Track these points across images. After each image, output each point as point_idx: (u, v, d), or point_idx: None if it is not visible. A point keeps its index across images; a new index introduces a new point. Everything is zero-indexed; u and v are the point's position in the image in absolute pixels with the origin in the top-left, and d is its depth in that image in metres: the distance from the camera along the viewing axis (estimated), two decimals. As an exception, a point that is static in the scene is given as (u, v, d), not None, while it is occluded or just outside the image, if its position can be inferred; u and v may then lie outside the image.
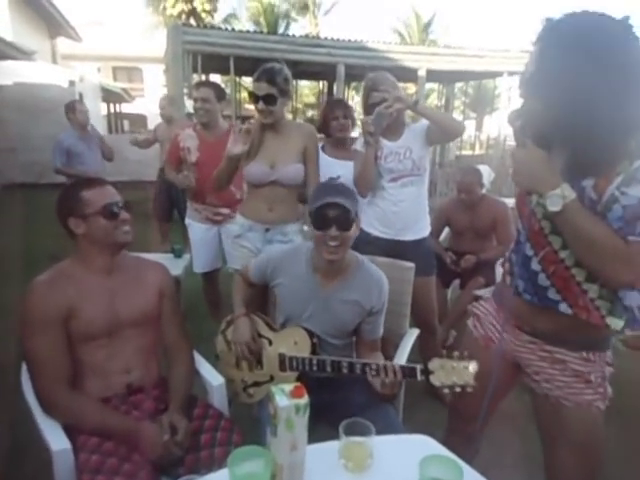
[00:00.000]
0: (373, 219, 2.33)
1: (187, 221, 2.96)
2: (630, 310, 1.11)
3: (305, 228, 2.18)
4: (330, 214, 1.49)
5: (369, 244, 2.27)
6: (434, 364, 1.28)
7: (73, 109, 4.42)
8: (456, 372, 1.24)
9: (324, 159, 2.45)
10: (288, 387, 0.95)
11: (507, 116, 1.14)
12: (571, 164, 1.05)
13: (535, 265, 1.19)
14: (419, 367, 1.32)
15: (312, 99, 21.66)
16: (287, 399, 0.92)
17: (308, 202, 1.64)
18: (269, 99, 2.03)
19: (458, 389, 1.25)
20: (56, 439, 1.27)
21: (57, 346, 1.34)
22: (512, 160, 1.09)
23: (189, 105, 6.53)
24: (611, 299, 1.11)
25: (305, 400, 0.93)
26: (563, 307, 1.16)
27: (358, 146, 2.30)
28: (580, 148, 1.03)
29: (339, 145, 2.63)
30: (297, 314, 1.63)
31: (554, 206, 1.00)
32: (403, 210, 2.25)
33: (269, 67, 2.05)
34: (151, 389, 1.50)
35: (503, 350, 1.31)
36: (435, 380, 1.27)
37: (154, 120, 5.11)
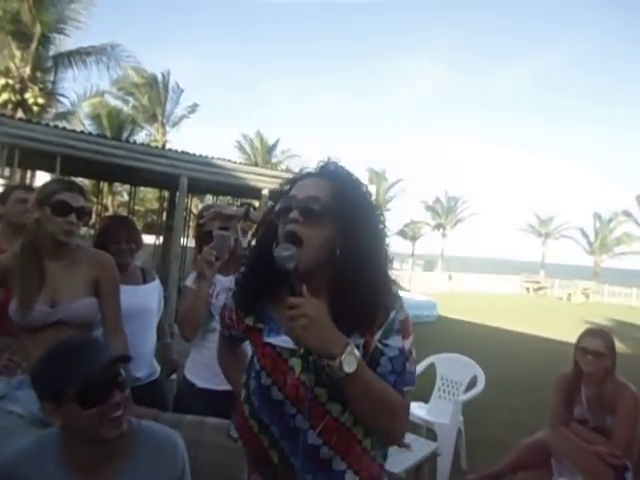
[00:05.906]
0: (200, 366, 1.93)
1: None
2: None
3: None
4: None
5: (195, 397, 1.89)
6: None
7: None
8: None
9: None
10: None
11: (275, 257, 0.96)
12: (338, 320, 0.94)
13: (313, 439, 1.03)
14: None
15: (155, 204, 21.01)
16: None
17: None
18: (83, 213, 1.67)
19: None
20: None
21: None
22: (295, 315, 0.89)
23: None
24: (379, 445, 1.11)
25: None
26: (349, 476, 1.05)
27: (188, 282, 1.98)
28: (346, 290, 0.98)
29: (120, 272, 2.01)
30: None
31: (350, 367, 0.90)
32: None
33: (72, 180, 1.75)
34: None
35: None
36: None
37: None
